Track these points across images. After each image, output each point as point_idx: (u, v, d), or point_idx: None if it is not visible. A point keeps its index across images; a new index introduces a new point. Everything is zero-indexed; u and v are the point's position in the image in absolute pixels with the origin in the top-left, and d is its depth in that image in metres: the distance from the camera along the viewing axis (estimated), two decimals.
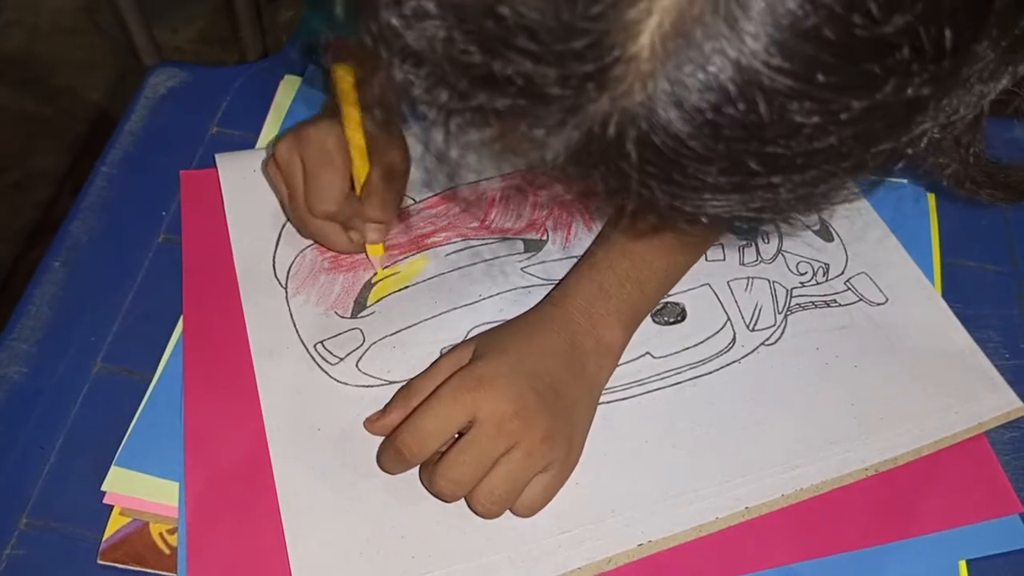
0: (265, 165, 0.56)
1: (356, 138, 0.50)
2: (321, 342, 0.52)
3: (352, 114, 0.50)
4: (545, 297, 0.53)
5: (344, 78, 0.50)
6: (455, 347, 0.50)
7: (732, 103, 0.23)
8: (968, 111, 0.27)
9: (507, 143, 0.27)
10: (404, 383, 0.50)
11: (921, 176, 0.31)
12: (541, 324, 0.50)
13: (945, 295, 0.59)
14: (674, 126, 0.24)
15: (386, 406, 0.49)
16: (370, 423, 0.49)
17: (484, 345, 0.48)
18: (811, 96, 0.23)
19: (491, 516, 0.45)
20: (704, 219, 0.28)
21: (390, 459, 0.46)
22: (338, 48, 0.55)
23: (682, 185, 0.26)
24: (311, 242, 0.56)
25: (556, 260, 0.57)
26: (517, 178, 0.60)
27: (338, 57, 0.55)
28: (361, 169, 0.51)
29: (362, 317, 0.54)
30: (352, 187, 0.52)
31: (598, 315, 0.50)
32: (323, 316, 0.53)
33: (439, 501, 0.46)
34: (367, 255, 0.55)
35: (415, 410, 0.45)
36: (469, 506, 0.45)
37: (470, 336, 0.53)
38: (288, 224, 0.57)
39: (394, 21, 0.24)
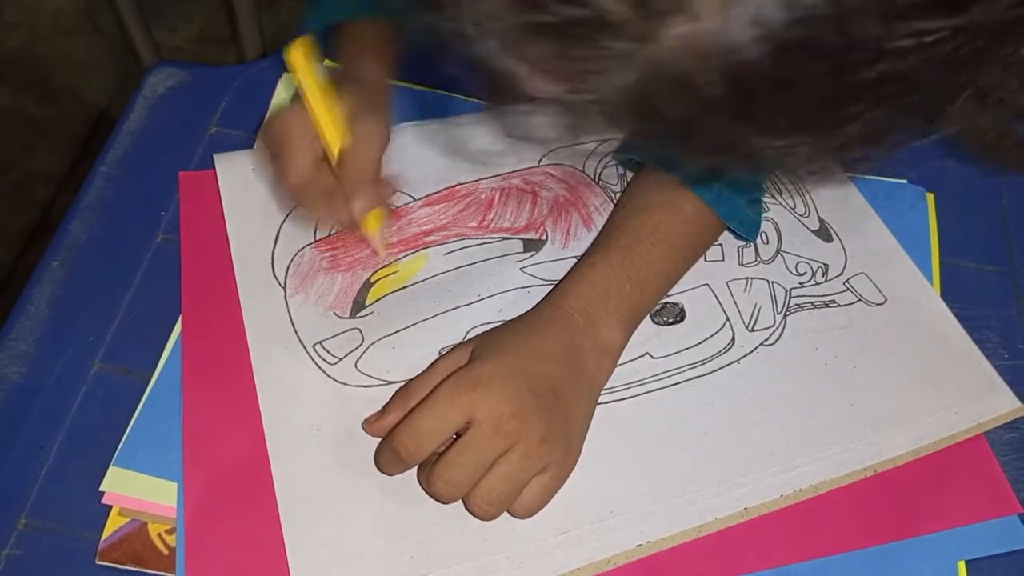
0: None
1: (318, 110, 0.50)
2: (320, 342, 0.52)
3: (309, 86, 0.50)
4: (544, 298, 0.53)
5: (297, 54, 0.50)
6: (453, 348, 0.50)
7: (817, 23, 0.22)
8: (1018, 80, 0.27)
9: (570, 71, 0.25)
10: (403, 383, 0.50)
11: (958, 142, 0.31)
12: (540, 325, 0.50)
13: (944, 295, 0.59)
14: (753, 52, 0.23)
15: (384, 407, 0.48)
16: (368, 424, 0.48)
17: (482, 346, 0.48)
18: (900, 14, 0.23)
19: (488, 517, 0.45)
20: (763, 160, 0.27)
21: (388, 460, 0.46)
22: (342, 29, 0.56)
23: (755, 123, 0.25)
24: (309, 241, 0.56)
25: (555, 260, 0.57)
26: (516, 178, 0.60)
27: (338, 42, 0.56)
28: (333, 143, 0.50)
29: (361, 317, 0.54)
30: (327, 161, 0.51)
31: (597, 316, 0.50)
32: (322, 316, 0.53)
33: (437, 503, 0.46)
34: (365, 234, 0.53)
35: (412, 411, 0.45)
36: (467, 508, 0.45)
37: (469, 336, 0.53)
38: (286, 223, 0.57)
39: None
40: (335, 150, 0.51)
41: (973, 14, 0.23)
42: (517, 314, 0.54)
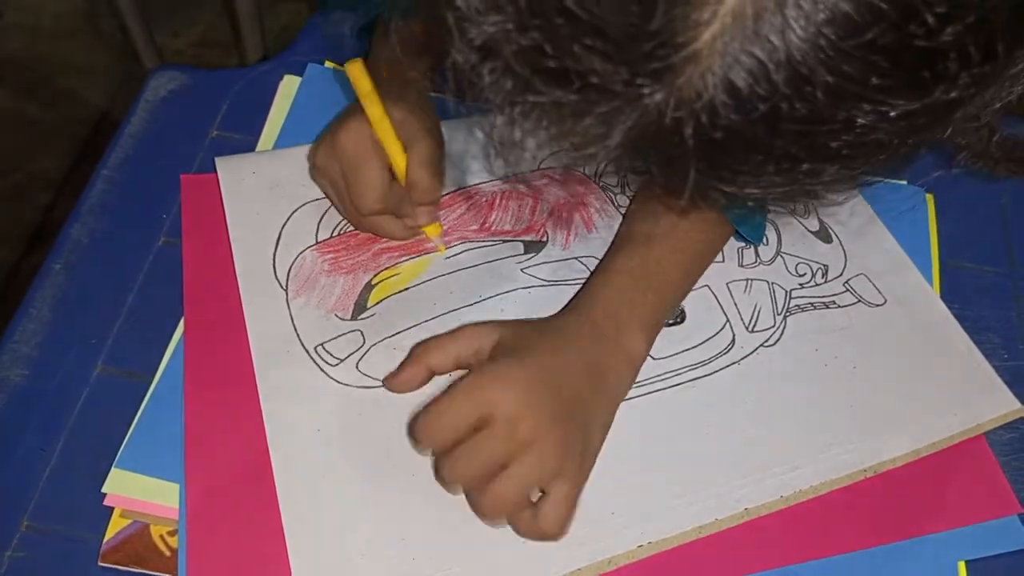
0: (311, 175, 0.58)
1: (385, 130, 0.52)
2: (322, 344, 0.52)
3: (374, 109, 0.51)
4: (569, 304, 0.53)
5: (360, 77, 0.51)
6: (479, 325, 0.50)
7: (787, 99, 0.24)
8: (999, 102, 0.29)
9: (565, 131, 0.28)
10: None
11: (941, 150, 0.32)
12: (567, 331, 0.49)
13: (944, 297, 0.59)
14: (729, 117, 0.25)
15: (402, 363, 0.50)
16: (386, 380, 0.50)
17: (508, 341, 0.48)
18: (865, 97, 0.25)
19: (495, 519, 0.45)
20: (742, 199, 0.30)
21: (412, 441, 0.46)
22: (400, 32, 0.56)
23: (731, 170, 0.28)
24: (310, 244, 0.57)
25: (556, 261, 0.57)
26: (516, 181, 0.61)
27: (404, 44, 0.57)
28: (398, 159, 0.52)
29: (362, 319, 0.54)
30: (394, 177, 0.53)
31: (622, 326, 0.50)
32: (323, 318, 0.54)
33: (439, 503, 0.46)
34: (427, 236, 0.57)
35: (430, 403, 0.45)
36: (474, 510, 0.45)
37: None
38: (287, 226, 0.57)
39: (465, 12, 0.25)
40: (402, 167, 0.52)
41: (936, 93, 0.25)
42: (519, 315, 0.54)
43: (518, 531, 0.45)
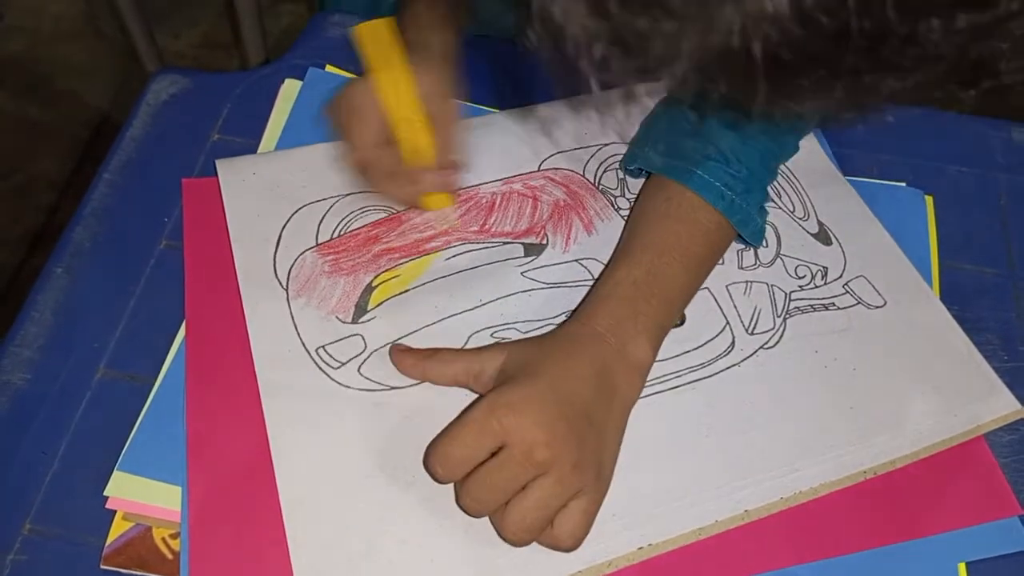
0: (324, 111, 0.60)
1: (385, 87, 0.53)
2: (323, 347, 0.53)
3: (377, 61, 0.53)
4: (572, 317, 0.52)
5: (367, 28, 0.52)
6: (484, 349, 0.50)
7: (856, 14, 0.25)
8: None
9: (634, 53, 0.28)
10: (405, 387, 0.51)
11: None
12: (571, 346, 0.49)
13: (943, 298, 0.59)
14: (797, 33, 0.26)
15: (409, 352, 0.51)
16: (393, 352, 0.51)
17: (514, 365, 0.48)
18: (933, 11, 0.25)
19: (521, 544, 0.44)
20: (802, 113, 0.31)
21: (428, 473, 0.46)
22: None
23: (796, 86, 0.29)
24: (310, 245, 0.57)
25: (556, 264, 0.57)
26: (517, 182, 0.61)
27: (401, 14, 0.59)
28: (396, 117, 0.53)
29: (363, 322, 0.54)
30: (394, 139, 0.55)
31: (627, 335, 0.50)
32: (324, 320, 0.54)
33: (441, 506, 0.46)
34: (435, 208, 0.57)
35: (443, 434, 0.45)
36: (500, 535, 0.44)
37: (470, 341, 0.53)
38: (288, 226, 0.57)
39: None
40: (400, 129, 0.53)
41: (1001, 5, 0.26)
42: (518, 319, 0.54)
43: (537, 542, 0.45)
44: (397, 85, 0.53)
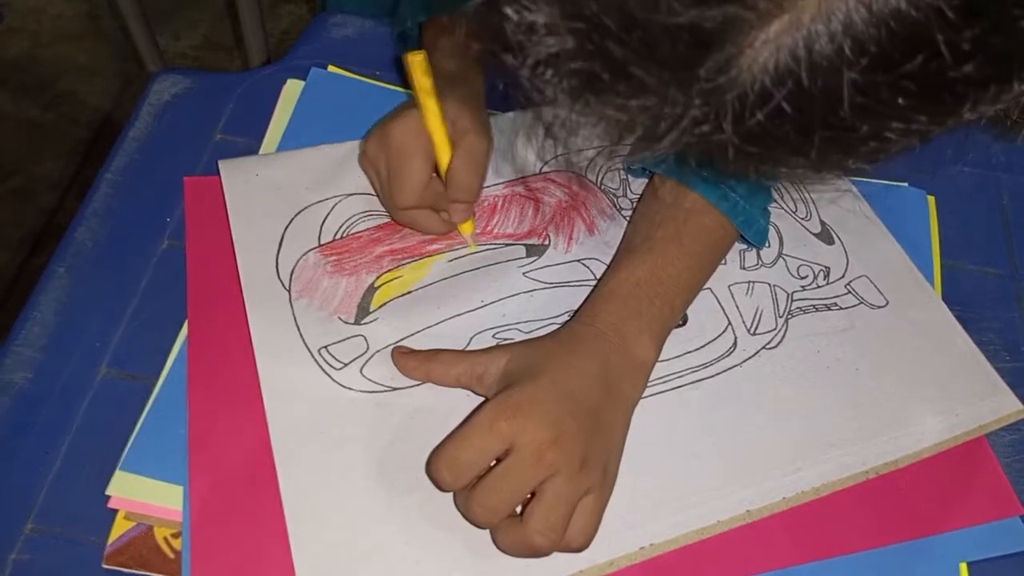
0: (360, 163, 0.60)
1: (434, 125, 0.52)
2: (325, 347, 0.53)
3: (429, 103, 0.52)
4: (575, 316, 0.52)
5: (418, 68, 0.51)
6: (487, 351, 0.50)
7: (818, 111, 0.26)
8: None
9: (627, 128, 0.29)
10: (408, 388, 0.51)
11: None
12: (575, 345, 0.49)
13: (945, 298, 0.59)
14: (762, 113, 0.27)
15: (409, 359, 0.51)
16: (396, 355, 0.51)
17: (518, 367, 0.47)
18: (892, 113, 0.26)
19: (549, 546, 0.43)
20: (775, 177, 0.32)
21: (432, 480, 0.46)
22: (435, 28, 0.59)
23: (764, 159, 0.30)
24: (313, 245, 0.57)
25: (558, 265, 0.57)
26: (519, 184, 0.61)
27: (429, 42, 0.59)
28: (443, 153, 0.53)
29: (365, 324, 0.54)
30: (437, 173, 0.54)
31: (631, 334, 0.50)
32: (327, 320, 0.54)
33: (442, 507, 0.46)
34: (459, 232, 0.58)
35: (451, 438, 0.44)
36: (526, 541, 0.43)
37: (472, 342, 0.53)
38: (290, 228, 0.58)
39: (524, 35, 0.27)
40: (445, 163, 0.53)
41: (962, 113, 0.27)
42: (520, 319, 0.54)
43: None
44: (440, 116, 0.53)
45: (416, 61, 0.51)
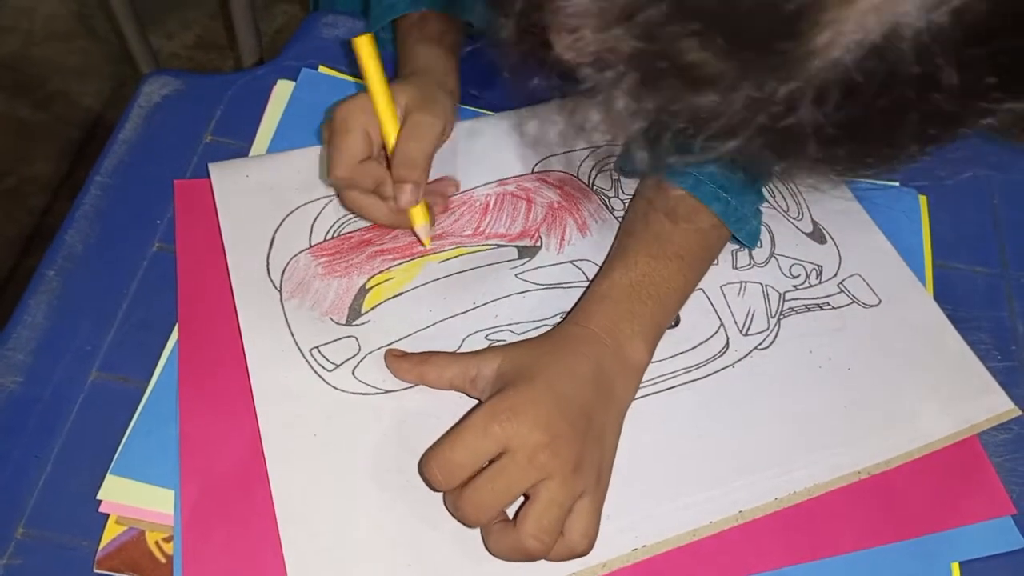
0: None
1: (381, 105, 0.53)
2: (317, 347, 0.52)
3: (374, 84, 0.52)
4: (568, 318, 0.52)
5: (364, 50, 0.52)
6: (480, 352, 0.50)
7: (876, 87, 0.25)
8: None
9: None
10: (400, 391, 0.51)
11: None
12: (568, 347, 0.49)
13: (936, 297, 0.59)
14: (848, 104, 0.25)
15: (405, 355, 0.51)
16: (388, 357, 0.51)
17: (511, 369, 0.47)
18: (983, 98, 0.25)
19: (543, 550, 0.43)
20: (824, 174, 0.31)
21: (424, 481, 0.46)
22: (408, 22, 0.59)
23: (846, 154, 0.28)
24: (304, 247, 0.57)
25: (550, 266, 0.57)
26: (512, 184, 0.61)
27: (403, 33, 0.59)
28: (389, 136, 0.53)
29: (357, 325, 0.54)
30: (387, 159, 0.54)
31: (623, 335, 0.50)
32: (319, 321, 0.54)
33: (433, 509, 0.46)
34: (412, 228, 0.56)
35: (445, 439, 0.44)
36: (519, 544, 0.43)
37: (465, 344, 0.53)
38: (281, 229, 0.57)
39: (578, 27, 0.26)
40: (391, 142, 0.53)
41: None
42: (512, 320, 0.54)
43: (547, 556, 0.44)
44: (389, 96, 0.53)
45: (362, 43, 0.52)
